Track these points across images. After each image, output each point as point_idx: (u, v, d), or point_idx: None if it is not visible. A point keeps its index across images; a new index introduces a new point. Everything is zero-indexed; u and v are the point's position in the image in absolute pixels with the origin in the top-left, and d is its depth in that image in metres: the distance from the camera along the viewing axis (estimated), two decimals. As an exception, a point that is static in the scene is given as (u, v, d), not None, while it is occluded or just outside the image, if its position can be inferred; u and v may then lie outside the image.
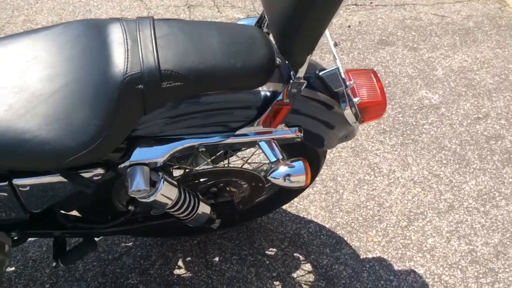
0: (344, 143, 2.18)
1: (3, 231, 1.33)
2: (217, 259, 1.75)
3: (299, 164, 1.18)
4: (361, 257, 1.76)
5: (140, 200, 1.16)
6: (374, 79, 1.30)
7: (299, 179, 1.18)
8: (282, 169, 1.18)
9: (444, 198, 1.96)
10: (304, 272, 1.72)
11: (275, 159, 1.19)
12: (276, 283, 1.68)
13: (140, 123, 1.11)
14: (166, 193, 1.19)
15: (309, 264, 1.74)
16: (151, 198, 1.16)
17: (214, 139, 1.17)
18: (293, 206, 1.92)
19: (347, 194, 1.97)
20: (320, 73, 1.22)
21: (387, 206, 1.93)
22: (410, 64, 2.66)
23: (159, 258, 1.75)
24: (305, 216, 1.89)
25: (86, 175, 1.10)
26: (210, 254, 1.76)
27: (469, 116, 2.35)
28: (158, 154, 1.14)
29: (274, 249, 1.78)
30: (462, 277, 1.70)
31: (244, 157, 1.59)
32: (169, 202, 1.22)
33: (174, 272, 1.71)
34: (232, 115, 1.16)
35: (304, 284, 1.68)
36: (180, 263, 1.74)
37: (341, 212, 1.90)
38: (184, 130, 1.15)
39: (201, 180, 1.40)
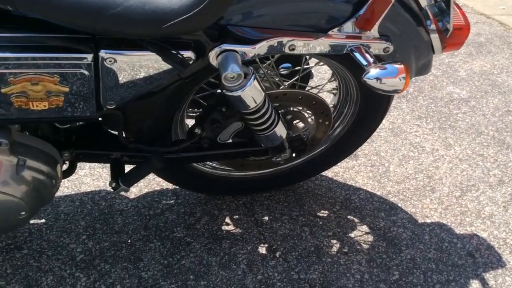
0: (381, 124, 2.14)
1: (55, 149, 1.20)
2: (266, 218, 1.62)
3: (391, 67, 1.12)
4: (419, 222, 1.66)
5: (228, 91, 1.08)
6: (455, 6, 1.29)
7: (392, 82, 1.12)
8: (374, 71, 1.11)
9: (492, 174, 1.90)
10: (361, 233, 1.60)
11: (366, 63, 1.13)
12: (334, 241, 1.56)
13: (233, 11, 1.05)
14: (254, 92, 1.11)
15: (365, 225, 1.63)
16: (242, 90, 1.07)
17: (305, 36, 1.11)
18: (339, 175, 1.83)
19: (394, 167, 1.90)
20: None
21: (437, 178, 1.86)
22: (432, 65, 2.70)
23: (204, 215, 1.60)
24: (353, 184, 1.80)
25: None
26: (258, 214, 1.63)
27: (499, 109, 2.35)
28: (250, 43, 1.07)
29: (326, 212, 1.67)
30: (527, 242, 1.61)
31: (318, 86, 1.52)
32: (253, 105, 1.13)
33: (222, 228, 1.56)
34: (328, 9, 1.11)
35: (364, 243, 1.56)
36: (227, 220, 1.60)
37: (390, 182, 1.82)
38: (275, 23, 1.09)
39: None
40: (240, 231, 1.56)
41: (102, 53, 0.98)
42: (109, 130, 1.27)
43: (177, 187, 1.67)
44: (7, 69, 0.95)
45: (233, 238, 1.53)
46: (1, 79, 0.95)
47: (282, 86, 1.42)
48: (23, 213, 1.15)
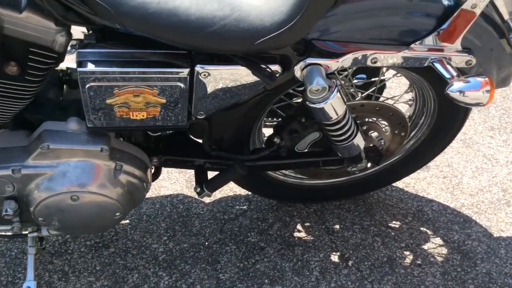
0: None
1: (146, 155, 1.29)
2: (337, 226, 1.64)
3: (474, 80, 1.12)
4: (494, 235, 1.62)
5: (312, 103, 1.12)
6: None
7: (476, 95, 1.12)
8: (457, 84, 1.12)
9: None
10: (434, 245, 1.58)
11: (449, 76, 1.14)
12: (406, 252, 1.55)
13: (317, 26, 1.09)
14: (336, 104, 1.14)
15: (438, 238, 1.61)
16: (326, 102, 1.11)
17: (388, 50, 1.13)
18: (410, 186, 1.81)
19: (467, 179, 1.86)
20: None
21: (513, 191, 1.80)
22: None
23: (277, 221, 1.65)
24: (425, 196, 1.78)
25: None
26: (329, 222, 1.66)
27: None
28: (334, 57, 1.11)
29: (398, 222, 1.67)
30: None
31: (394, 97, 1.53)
32: (335, 117, 1.17)
33: (294, 235, 1.60)
34: (410, 23, 1.13)
35: (438, 256, 1.55)
36: (299, 227, 1.64)
37: (463, 194, 1.79)
38: (358, 37, 1.12)
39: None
40: (311, 238, 1.60)
41: (198, 68, 1.05)
42: (193, 138, 1.35)
43: (250, 193, 1.73)
44: (114, 82, 1.04)
45: (305, 245, 1.57)
46: (107, 91, 1.05)
47: (358, 97, 1.45)
48: (118, 214, 1.25)
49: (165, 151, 1.33)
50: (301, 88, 1.38)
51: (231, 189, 1.77)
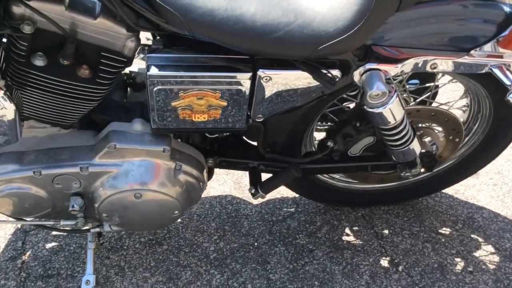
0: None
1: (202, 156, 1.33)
2: (386, 231, 1.64)
3: (538, 87, 1.11)
4: (550, 245, 1.59)
5: (371, 108, 1.14)
6: None
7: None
8: (519, 91, 1.11)
9: None
10: (486, 253, 1.56)
11: (510, 83, 1.13)
12: (457, 259, 1.54)
13: (377, 32, 1.10)
14: (395, 109, 1.15)
15: (490, 245, 1.59)
16: (384, 107, 1.12)
17: (448, 56, 1.14)
18: (460, 193, 1.79)
19: (518, 187, 1.83)
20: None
21: None
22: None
23: (325, 224, 1.67)
24: (475, 203, 1.76)
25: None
26: (377, 227, 1.66)
27: None
28: (393, 62, 1.12)
29: (448, 229, 1.65)
30: None
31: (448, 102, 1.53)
32: (393, 121, 1.18)
33: (343, 238, 1.61)
34: (470, 29, 1.13)
35: (489, 263, 1.52)
36: (347, 230, 1.65)
37: (515, 202, 1.75)
38: (417, 43, 1.13)
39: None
40: (360, 242, 1.60)
41: (260, 72, 1.08)
42: (247, 140, 1.38)
43: (297, 195, 1.76)
44: (180, 86, 1.08)
45: (354, 248, 1.58)
46: (174, 94, 1.09)
47: (411, 103, 1.45)
48: (176, 212, 1.29)
49: (220, 152, 1.37)
50: (354, 93, 1.40)
51: (279, 191, 1.79)
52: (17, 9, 0.96)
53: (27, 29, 0.97)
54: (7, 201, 1.25)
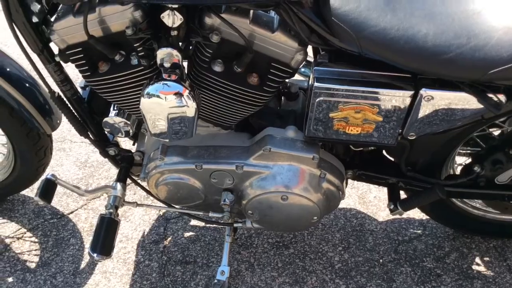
0: None
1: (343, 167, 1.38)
2: (521, 267, 1.57)
3: None
4: None
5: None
6: None
7: None
8: None
9: None
10: None
11: None
12: None
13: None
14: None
15: None
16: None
17: None
18: None
19: None
20: None
21: None
22: None
23: (453, 250, 1.63)
24: None
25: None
26: (510, 260, 1.59)
27: None
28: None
29: None
30: None
31: None
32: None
33: (473, 267, 1.57)
34: None
35: None
36: (477, 260, 1.59)
37: None
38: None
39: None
40: (492, 274, 1.54)
41: (423, 91, 1.11)
42: (388, 156, 1.41)
43: (424, 217, 1.73)
44: (342, 98, 1.14)
45: (485, 279, 1.52)
46: (334, 105, 1.16)
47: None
48: (315, 217, 1.35)
49: (360, 165, 1.41)
50: (504, 118, 1.36)
51: (404, 211, 1.78)
52: (209, 20, 1.09)
53: (215, 38, 1.09)
54: (166, 189, 1.39)
